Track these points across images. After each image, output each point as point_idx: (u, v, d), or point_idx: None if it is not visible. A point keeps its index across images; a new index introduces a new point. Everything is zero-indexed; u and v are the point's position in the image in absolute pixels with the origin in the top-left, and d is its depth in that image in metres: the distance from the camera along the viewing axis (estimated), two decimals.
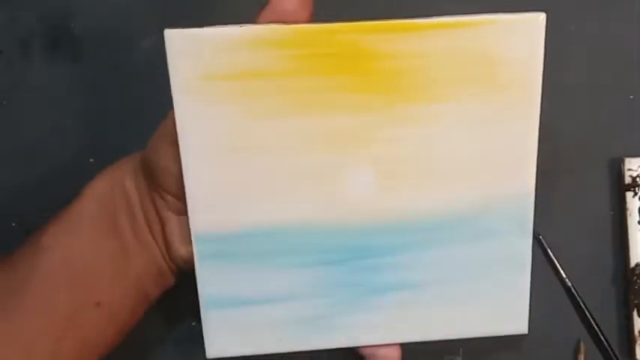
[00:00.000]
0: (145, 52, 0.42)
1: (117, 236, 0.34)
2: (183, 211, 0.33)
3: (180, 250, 0.34)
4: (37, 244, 0.33)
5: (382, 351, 0.34)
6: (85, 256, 0.33)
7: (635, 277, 0.42)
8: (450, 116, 0.31)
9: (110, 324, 0.34)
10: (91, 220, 0.33)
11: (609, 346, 0.43)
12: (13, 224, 0.42)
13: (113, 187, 0.34)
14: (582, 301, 0.43)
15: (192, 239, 0.32)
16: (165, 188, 0.33)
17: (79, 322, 0.33)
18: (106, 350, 0.34)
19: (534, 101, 0.31)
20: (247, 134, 0.31)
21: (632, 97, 0.43)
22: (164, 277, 0.35)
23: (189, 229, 0.32)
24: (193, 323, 0.42)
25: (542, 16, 0.31)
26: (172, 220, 0.34)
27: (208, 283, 0.33)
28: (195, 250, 0.32)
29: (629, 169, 0.42)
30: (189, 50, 0.30)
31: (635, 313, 0.43)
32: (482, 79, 0.31)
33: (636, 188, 0.42)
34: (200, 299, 0.33)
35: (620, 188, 0.43)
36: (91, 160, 0.41)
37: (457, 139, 0.32)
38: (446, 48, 0.30)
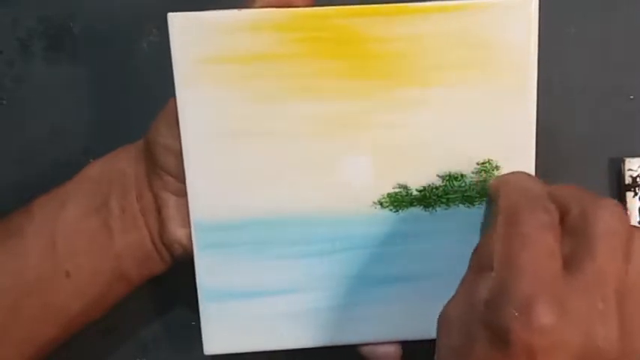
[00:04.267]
0: (145, 52, 0.42)
1: (103, 216, 0.34)
2: (182, 193, 0.33)
3: (176, 232, 0.34)
4: (26, 210, 0.35)
5: (381, 349, 0.34)
6: (66, 228, 0.34)
7: None
8: (446, 101, 0.32)
9: (77, 296, 0.34)
10: (81, 197, 0.35)
11: None
12: None
13: (110, 169, 0.35)
14: None
15: (192, 228, 0.32)
16: (165, 168, 0.33)
17: (44, 287, 0.34)
18: (71, 321, 0.35)
19: (530, 86, 0.32)
20: (246, 118, 0.32)
21: (632, 97, 0.43)
22: (151, 261, 0.35)
23: (187, 210, 0.32)
24: (193, 323, 0.42)
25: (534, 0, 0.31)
26: (170, 201, 0.34)
27: (207, 274, 0.33)
28: (194, 239, 0.32)
29: (629, 169, 0.42)
30: (191, 33, 0.31)
31: None
32: (478, 63, 0.31)
33: (636, 188, 0.42)
34: (199, 291, 0.33)
35: (620, 188, 0.43)
36: (91, 160, 0.41)
37: (453, 124, 0.32)
38: (440, 32, 0.31)
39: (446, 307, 0.28)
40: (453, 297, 0.28)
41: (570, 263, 0.25)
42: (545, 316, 0.24)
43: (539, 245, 0.25)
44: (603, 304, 0.24)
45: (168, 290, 0.42)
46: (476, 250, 0.28)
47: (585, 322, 0.24)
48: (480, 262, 0.27)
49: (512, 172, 0.31)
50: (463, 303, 0.27)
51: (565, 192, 0.28)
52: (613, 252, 0.25)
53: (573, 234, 0.26)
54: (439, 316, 0.28)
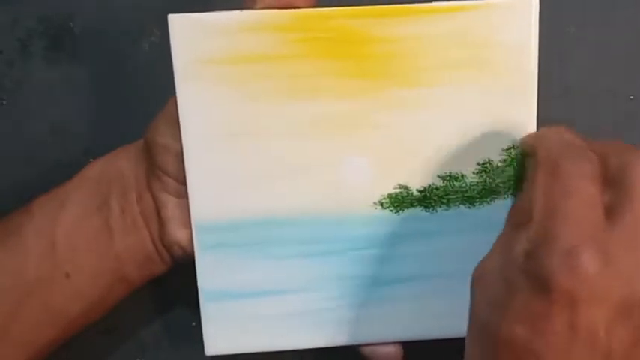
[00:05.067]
0: (145, 53, 0.42)
1: (104, 216, 0.34)
2: (181, 194, 0.33)
3: (176, 234, 0.34)
4: (26, 210, 0.35)
5: (382, 349, 0.34)
6: (66, 229, 0.34)
7: None
8: (447, 101, 0.32)
9: (77, 297, 0.34)
10: (81, 198, 0.34)
11: None
12: None
13: (110, 170, 0.35)
14: None
15: (193, 229, 0.32)
16: (164, 169, 0.33)
17: (44, 288, 0.34)
18: (71, 322, 0.35)
19: (530, 86, 0.32)
20: (246, 119, 0.32)
21: (632, 97, 0.43)
22: (151, 262, 0.35)
23: (187, 212, 0.32)
24: (193, 323, 0.42)
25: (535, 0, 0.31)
26: (170, 203, 0.34)
27: (208, 275, 0.33)
28: (195, 240, 0.32)
29: None
30: (191, 35, 0.31)
31: None
32: (478, 63, 0.31)
33: None
34: (199, 292, 0.33)
35: None
36: (91, 160, 0.41)
37: (454, 124, 0.32)
38: (441, 32, 0.31)
39: (481, 262, 0.27)
40: (489, 252, 0.27)
41: (612, 214, 0.25)
42: (589, 264, 0.23)
43: (582, 195, 0.25)
44: None
45: (168, 290, 0.42)
46: (513, 206, 0.28)
47: (628, 272, 0.24)
48: (517, 218, 0.27)
49: (548, 127, 0.31)
50: (501, 256, 0.27)
51: (605, 144, 0.28)
52: None
53: (613, 185, 0.26)
54: (473, 272, 0.27)
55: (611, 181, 0.26)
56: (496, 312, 0.26)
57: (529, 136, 0.31)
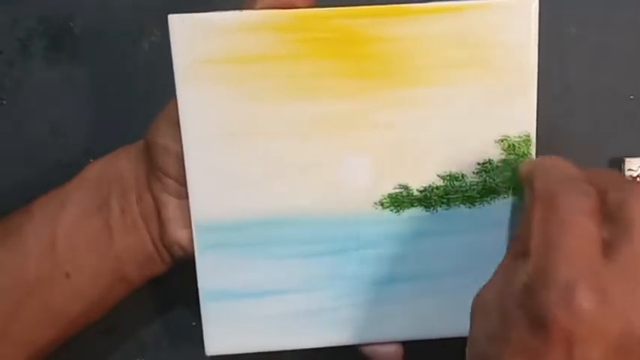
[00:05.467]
0: (145, 53, 0.42)
1: (104, 216, 0.34)
2: (181, 195, 0.33)
3: (176, 234, 0.34)
4: (26, 210, 0.35)
5: (383, 349, 0.34)
6: (66, 229, 0.34)
7: None
8: (447, 101, 0.32)
9: (77, 297, 0.34)
10: (80, 198, 0.35)
11: None
12: None
13: (110, 170, 0.35)
14: None
15: (193, 229, 0.32)
16: (164, 169, 0.33)
17: (44, 288, 0.34)
18: (71, 322, 0.35)
19: (530, 86, 0.32)
20: (246, 119, 0.32)
21: (632, 97, 0.43)
22: (151, 262, 0.35)
23: (187, 212, 0.32)
24: (193, 323, 0.42)
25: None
26: (171, 204, 0.34)
27: (208, 275, 0.33)
28: (195, 240, 0.32)
29: (629, 169, 0.42)
30: (191, 34, 0.31)
31: None
32: (478, 63, 0.31)
33: None
34: (200, 292, 0.33)
35: None
36: (91, 160, 0.41)
37: (454, 124, 0.32)
38: (441, 32, 0.31)
39: (482, 291, 0.27)
40: (490, 281, 0.27)
41: (609, 249, 0.25)
42: (586, 301, 0.23)
43: (579, 230, 0.25)
44: None
45: (168, 290, 0.42)
46: (514, 236, 0.28)
47: (625, 309, 0.24)
48: (518, 248, 0.27)
49: (545, 156, 0.31)
50: (500, 287, 0.26)
51: (603, 176, 0.27)
52: None
53: (611, 219, 0.25)
54: (474, 300, 0.27)
55: (609, 216, 0.25)
56: (495, 345, 0.25)
57: (526, 164, 0.31)
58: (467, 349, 0.27)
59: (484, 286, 0.27)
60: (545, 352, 0.24)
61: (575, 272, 0.24)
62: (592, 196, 0.26)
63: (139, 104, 0.41)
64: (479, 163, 0.32)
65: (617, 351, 0.24)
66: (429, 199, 0.33)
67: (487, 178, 0.32)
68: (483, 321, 0.27)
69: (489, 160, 0.32)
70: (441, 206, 0.33)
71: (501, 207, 0.33)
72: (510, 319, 0.25)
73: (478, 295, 0.27)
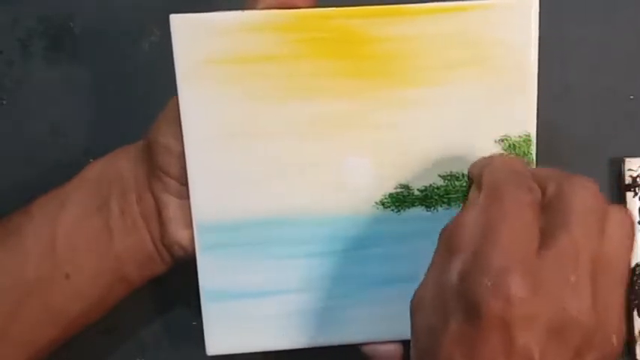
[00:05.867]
0: (145, 53, 0.42)
1: (104, 216, 0.34)
2: (182, 195, 0.33)
3: (177, 234, 0.34)
4: (26, 210, 0.35)
5: (383, 348, 0.34)
6: (66, 229, 0.34)
7: (635, 278, 0.42)
8: (447, 100, 0.32)
9: (77, 297, 0.34)
10: (80, 198, 0.35)
11: None
12: None
13: (110, 170, 0.35)
14: None
15: (195, 229, 0.32)
16: (165, 169, 0.33)
17: (44, 288, 0.34)
18: (71, 322, 0.35)
19: (530, 86, 0.32)
20: (248, 119, 0.32)
21: (632, 97, 0.43)
22: (151, 263, 0.35)
23: (188, 212, 0.33)
24: (194, 323, 0.42)
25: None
26: (171, 204, 0.34)
27: (209, 275, 0.33)
28: (196, 241, 0.32)
29: (629, 169, 0.42)
30: (193, 34, 0.31)
31: (635, 313, 0.42)
32: (478, 63, 0.31)
33: (636, 188, 0.42)
34: (201, 292, 0.33)
35: (620, 188, 0.43)
36: (91, 160, 0.41)
37: (454, 124, 0.32)
38: (441, 32, 0.31)
39: (417, 291, 0.28)
40: (424, 280, 0.28)
41: (546, 238, 0.25)
42: (517, 288, 0.24)
43: (517, 221, 0.25)
44: (576, 277, 0.25)
45: (168, 290, 0.42)
46: (445, 230, 0.28)
47: (558, 295, 0.24)
48: (450, 242, 0.27)
49: (496, 154, 0.32)
50: (436, 281, 0.27)
51: (544, 172, 0.28)
52: (587, 227, 0.25)
53: (550, 210, 0.26)
54: (412, 300, 0.28)
55: (548, 207, 0.26)
56: (434, 336, 0.26)
57: (478, 161, 0.31)
58: (410, 350, 0.28)
59: (419, 285, 0.28)
60: (482, 339, 0.24)
61: (508, 260, 0.24)
62: (534, 190, 0.27)
63: (139, 104, 0.41)
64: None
65: (552, 335, 0.24)
66: (429, 198, 0.33)
67: None
68: (422, 317, 0.27)
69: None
70: (441, 206, 0.33)
71: None
72: (447, 308, 0.25)
73: (414, 296, 0.28)
